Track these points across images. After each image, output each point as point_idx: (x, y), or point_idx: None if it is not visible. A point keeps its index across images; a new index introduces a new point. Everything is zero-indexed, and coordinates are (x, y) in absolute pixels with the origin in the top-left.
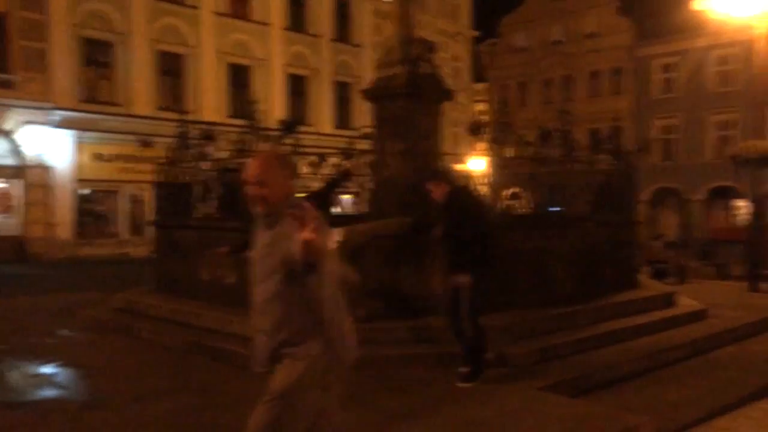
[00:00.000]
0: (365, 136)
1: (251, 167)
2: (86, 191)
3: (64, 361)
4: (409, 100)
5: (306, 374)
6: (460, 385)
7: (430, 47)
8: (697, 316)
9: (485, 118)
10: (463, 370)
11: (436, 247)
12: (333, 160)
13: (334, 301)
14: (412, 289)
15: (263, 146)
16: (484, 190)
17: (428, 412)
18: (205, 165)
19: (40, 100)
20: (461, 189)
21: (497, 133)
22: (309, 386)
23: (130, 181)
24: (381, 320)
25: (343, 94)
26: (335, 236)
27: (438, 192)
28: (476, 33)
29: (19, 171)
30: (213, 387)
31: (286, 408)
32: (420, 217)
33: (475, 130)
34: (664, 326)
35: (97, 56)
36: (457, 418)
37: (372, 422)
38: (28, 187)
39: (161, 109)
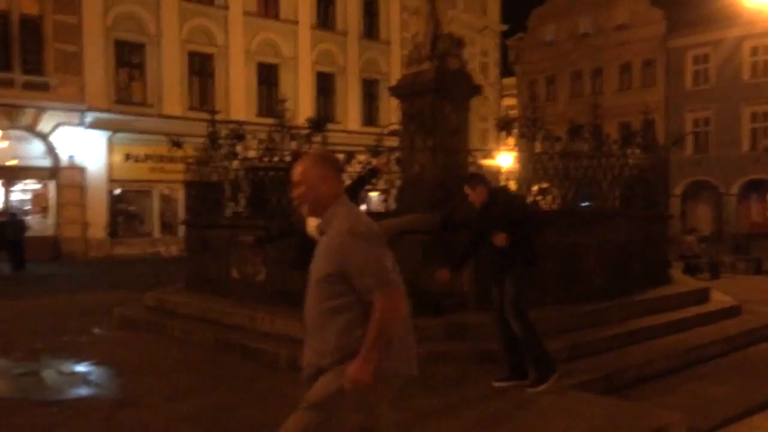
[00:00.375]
0: (393, 133)
1: (294, 168)
2: (118, 191)
3: (97, 359)
4: (438, 96)
5: (347, 390)
6: (530, 390)
7: (458, 42)
8: (731, 312)
9: (514, 113)
10: (531, 377)
11: (465, 245)
12: (361, 157)
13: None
14: (443, 286)
15: (292, 145)
16: (512, 185)
17: (459, 410)
18: (234, 164)
19: (74, 101)
20: (500, 191)
21: (526, 128)
22: (349, 402)
23: (161, 181)
24: (412, 318)
25: (370, 91)
26: None
27: (476, 195)
28: (504, 27)
29: (54, 172)
30: (243, 385)
31: (319, 420)
32: (448, 213)
33: (504, 125)
34: (697, 323)
35: (129, 58)
36: (487, 416)
37: (402, 420)
38: (62, 188)
39: (191, 109)
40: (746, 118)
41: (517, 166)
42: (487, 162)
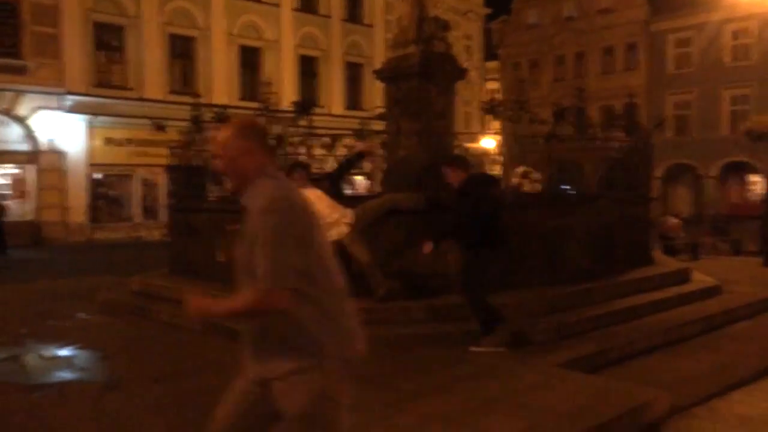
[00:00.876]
0: (378, 117)
1: (214, 138)
2: (99, 175)
3: (83, 343)
4: (423, 79)
5: (323, 385)
6: (473, 349)
7: (443, 26)
8: (711, 291)
9: (499, 96)
10: (476, 348)
11: (448, 227)
12: (346, 141)
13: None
14: (428, 268)
15: (277, 128)
16: (496, 168)
17: (446, 390)
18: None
19: (53, 85)
20: (477, 176)
21: (512, 111)
22: (327, 397)
23: (142, 165)
24: (398, 300)
25: (354, 74)
26: (347, 218)
27: (454, 177)
28: (488, 10)
29: (33, 156)
30: (232, 367)
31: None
32: (434, 195)
33: (491, 108)
34: (679, 302)
35: (108, 40)
36: (476, 396)
37: (391, 401)
38: (42, 173)
39: (173, 92)
40: (726, 101)
41: (501, 149)
42: (471, 145)
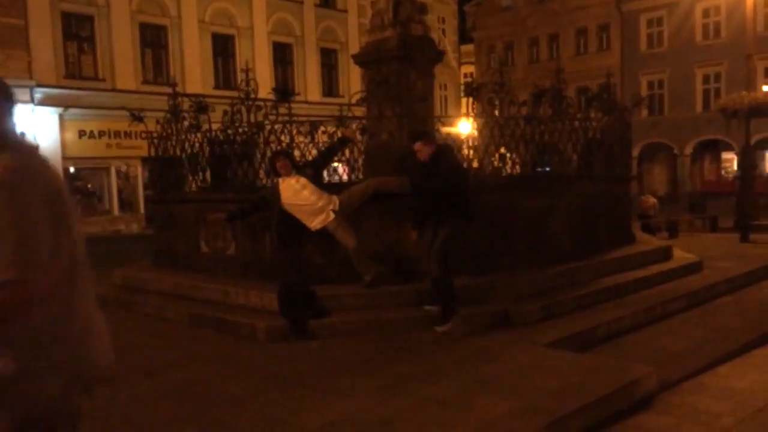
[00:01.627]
0: (359, 102)
1: None
2: (73, 169)
3: None
4: (403, 63)
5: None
6: (439, 329)
7: (420, 8)
8: (693, 268)
9: (477, 79)
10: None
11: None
12: (325, 128)
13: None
14: (414, 251)
15: (259, 116)
16: (472, 152)
17: (438, 373)
18: (196, 138)
19: (21, 77)
20: (445, 148)
21: (494, 93)
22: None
23: (118, 157)
24: (386, 285)
25: (329, 61)
26: (333, 205)
27: (426, 151)
28: None
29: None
30: (220, 358)
31: None
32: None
33: (472, 90)
34: (662, 279)
35: (77, 31)
36: (468, 377)
37: (385, 385)
38: None
39: (145, 82)
40: (699, 80)
41: (479, 132)
42: (447, 129)
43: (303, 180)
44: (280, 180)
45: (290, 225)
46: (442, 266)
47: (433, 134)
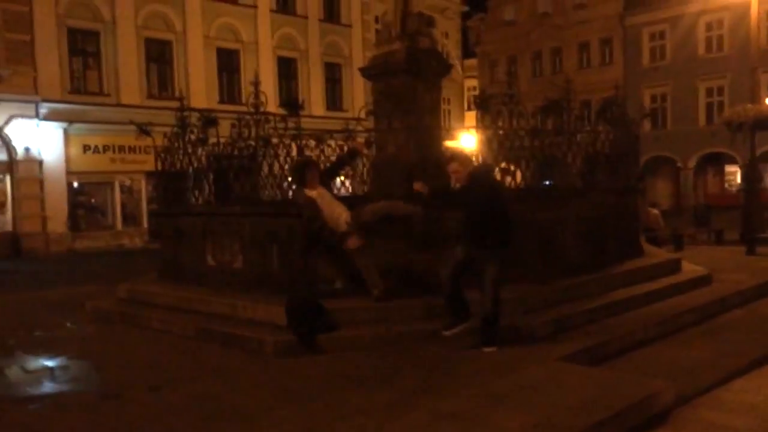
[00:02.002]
0: (367, 114)
1: None
2: (77, 184)
3: (74, 353)
4: (411, 76)
5: None
6: (487, 350)
7: (428, 21)
8: (702, 281)
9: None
10: (449, 332)
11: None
12: (333, 143)
13: None
14: (424, 266)
15: (268, 130)
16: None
17: (451, 387)
18: (203, 151)
19: (28, 93)
20: (484, 169)
21: (504, 105)
22: None
23: (121, 172)
24: (396, 299)
25: (333, 75)
26: (346, 216)
27: (462, 172)
28: (465, 8)
29: (9, 166)
30: (228, 372)
31: None
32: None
33: (482, 103)
34: (672, 292)
35: (83, 46)
36: (481, 391)
37: (395, 400)
38: (19, 182)
39: (150, 97)
40: (702, 93)
41: (483, 145)
42: (449, 143)
43: (322, 190)
44: (307, 190)
45: (312, 236)
46: (495, 302)
47: (467, 155)
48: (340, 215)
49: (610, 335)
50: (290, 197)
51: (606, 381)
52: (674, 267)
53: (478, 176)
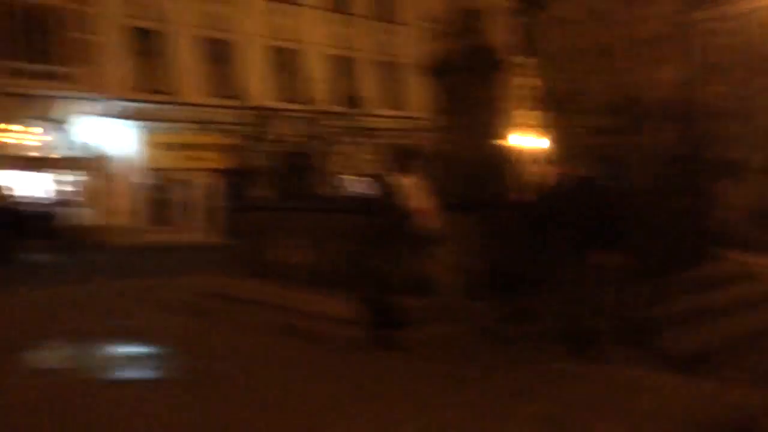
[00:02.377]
0: (425, 113)
1: None
2: (154, 180)
3: (160, 342)
4: (471, 72)
5: None
6: None
7: (485, 18)
8: None
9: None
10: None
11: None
12: (388, 139)
13: None
14: (511, 267)
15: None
16: (547, 166)
17: (531, 392)
18: (274, 148)
19: (98, 91)
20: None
21: (571, 103)
22: None
23: (198, 169)
24: (482, 299)
25: (389, 73)
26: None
27: (570, 176)
28: (524, 5)
29: (86, 163)
30: (304, 366)
31: None
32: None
33: (549, 101)
34: (753, 298)
35: (147, 46)
36: (570, 397)
37: (473, 400)
38: (98, 178)
39: (211, 96)
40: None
41: (551, 145)
42: (506, 141)
43: (419, 182)
44: (403, 178)
45: (393, 226)
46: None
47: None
48: (428, 209)
49: (692, 341)
50: (379, 181)
51: (691, 388)
52: (752, 272)
53: (585, 182)
